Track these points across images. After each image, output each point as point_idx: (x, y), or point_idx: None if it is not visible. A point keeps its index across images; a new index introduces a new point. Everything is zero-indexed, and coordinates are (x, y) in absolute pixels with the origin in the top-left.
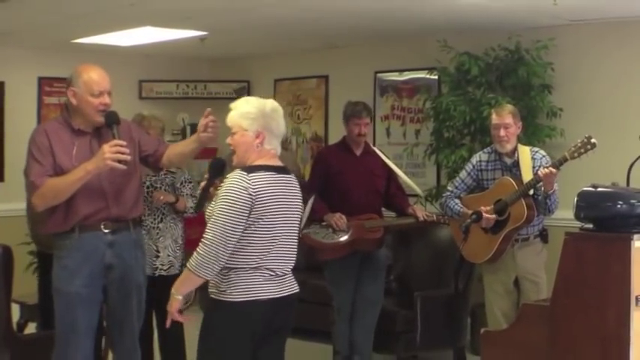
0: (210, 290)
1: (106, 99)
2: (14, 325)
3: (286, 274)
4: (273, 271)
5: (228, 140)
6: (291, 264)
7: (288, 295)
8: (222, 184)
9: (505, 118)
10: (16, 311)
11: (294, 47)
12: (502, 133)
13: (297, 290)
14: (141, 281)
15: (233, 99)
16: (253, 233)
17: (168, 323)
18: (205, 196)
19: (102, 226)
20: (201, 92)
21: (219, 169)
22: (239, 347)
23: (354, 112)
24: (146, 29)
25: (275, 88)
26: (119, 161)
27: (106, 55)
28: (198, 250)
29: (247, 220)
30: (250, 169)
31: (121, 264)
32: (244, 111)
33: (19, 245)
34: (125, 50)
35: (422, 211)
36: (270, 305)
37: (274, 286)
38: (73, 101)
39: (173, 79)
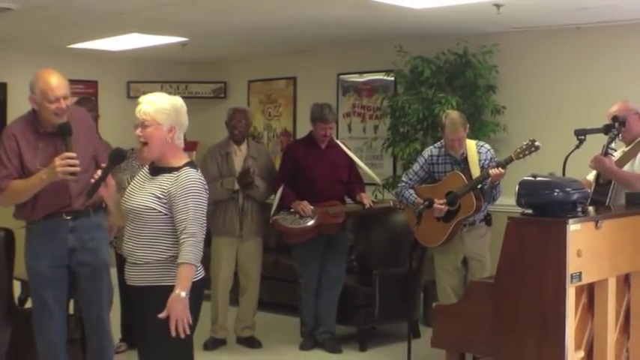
0: (156, 279)
1: (61, 104)
2: (15, 300)
3: None
4: None
5: (139, 132)
6: None
7: None
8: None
9: (459, 133)
10: (17, 288)
11: (266, 52)
12: (457, 145)
13: None
14: (105, 262)
15: (211, 98)
16: None
17: (175, 331)
18: (100, 184)
19: (64, 215)
20: (183, 92)
21: (119, 159)
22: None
23: (321, 117)
24: (133, 35)
25: (249, 88)
26: (70, 173)
27: (98, 59)
28: (191, 244)
29: None
30: (193, 166)
31: (82, 246)
32: (160, 106)
33: (21, 228)
34: (115, 54)
35: (368, 199)
36: None
37: None
38: (34, 107)
39: (158, 80)
